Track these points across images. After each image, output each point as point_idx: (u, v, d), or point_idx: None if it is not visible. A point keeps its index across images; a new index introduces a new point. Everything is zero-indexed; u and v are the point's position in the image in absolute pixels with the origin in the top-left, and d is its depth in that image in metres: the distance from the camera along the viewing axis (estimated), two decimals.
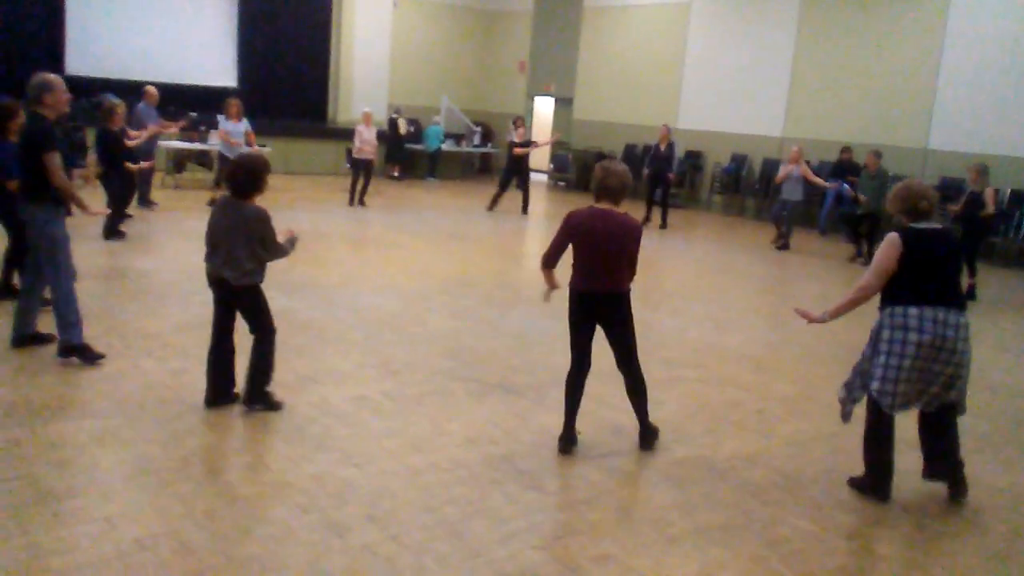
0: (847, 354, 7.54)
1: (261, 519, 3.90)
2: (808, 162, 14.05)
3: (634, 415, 5.05)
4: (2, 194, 6.41)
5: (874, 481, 4.54)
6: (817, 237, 14.95)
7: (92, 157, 10.46)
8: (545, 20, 21.31)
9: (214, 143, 14.14)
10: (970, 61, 13.85)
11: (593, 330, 4.89)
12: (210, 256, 5.06)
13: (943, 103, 14.24)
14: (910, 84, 14.61)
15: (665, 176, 14.47)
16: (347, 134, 18.46)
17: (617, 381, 5.13)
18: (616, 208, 4.76)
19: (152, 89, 12.51)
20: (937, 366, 4.31)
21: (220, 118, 12.98)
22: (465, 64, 22.37)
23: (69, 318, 5.64)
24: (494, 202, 14.92)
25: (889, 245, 4.39)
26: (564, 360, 6.57)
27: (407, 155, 19.32)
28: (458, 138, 20.84)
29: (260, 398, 5.13)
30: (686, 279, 10.97)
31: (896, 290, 4.38)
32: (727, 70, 17.31)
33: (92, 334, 5.94)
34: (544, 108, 21.78)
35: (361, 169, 14.44)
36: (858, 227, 12.46)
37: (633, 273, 4.83)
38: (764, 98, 16.67)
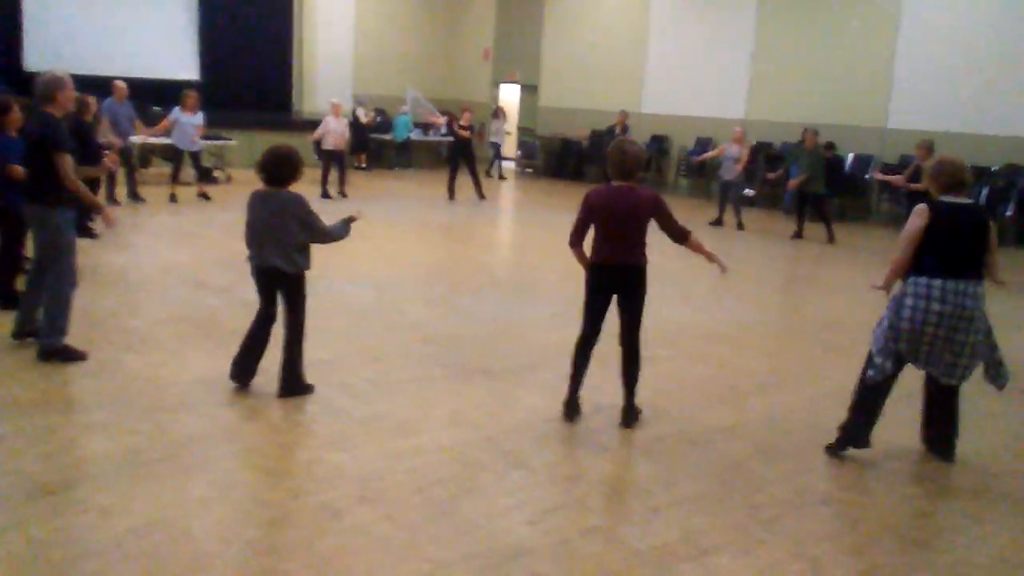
0: (815, 329, 7.76)
1: (256, 504, 3.97)
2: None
3: (618, 394, 5.17)
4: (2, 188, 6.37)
5: (856, 431, 4.72)
6: (782, 216, 15.20)
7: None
8: (509, 7, 21.35)
9: (171, 137, 14.00)
10: (926, 41, 14.16)
11: (608, 302, 5.08)
12: (255, 248, 5.11)
13: (900, 83, 14.55)
14: (868, 65, 14.89)
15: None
16: (312, 125, 18.38)
17: (598, 361, 5.25)
18: (632, 184, 4.91)
19: (121, 84, 12.37)
20: (959, 335, 4.49)
21: (175, 109, 12.84)
22: (430, 52, 22.34)
23: (59, 323, 5.62)
24: (450, 190, 14.97)
25: (916, 217, 4.57)
26: (542, 342, 6.74)
27: (372, 145, 19.29)
28: (424, 127, 20.83)
29: (294, 389, 5.23)
30: (655, 261, 11.11)
31: (921, 261, 4.54)
32: (689, 54, 17.49)
33: (72, 331, 5.93)
34: (510, 96, 21.85)
35: (333, 160, 14.37)
36: (801, 207, 12.71)
37: (681, 233, 5.06)
38: (727, 81, 16.89)
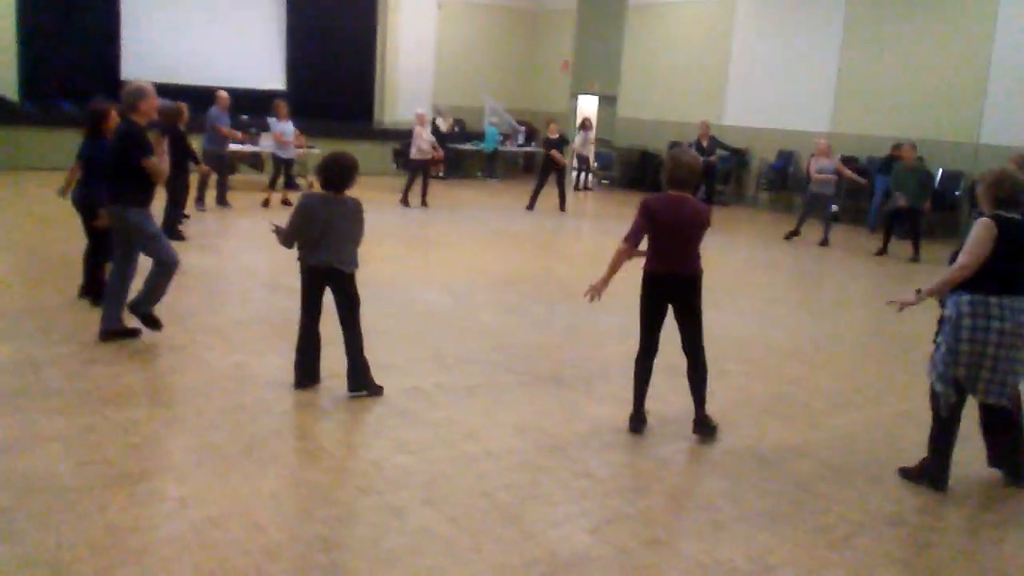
0: (892, 347, 7.55)
1: (323, 501, 4.08)
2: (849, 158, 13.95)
3: (684, 405, 5.14)
4: (94, 191, 6.66)
5: (935, 471, 4.58)
6: (867, 234, 14.82)
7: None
8: (589, 18, 21.37)
9: (266, 145, 14.48)
10: (1021, 54, 13.64)
11: (664, 313, 5.10)
12: (314, 249, 5.30)
13: (994, 97, 14.04)
14: (960, 78, 14.41)
15: (708, 171, 14.57)
16: (393, 135, 18.77)
17: (662, 371, 5.24)
18: (687, 195, 4.93)
19: (223, 94, 12.86)
20: (1020, 353, 4.35)
21: (271, 120, 13.34)
22: (509, 63, 22.52)
23: (158, 296, 6.13)
24: (532, 200, 15.04)
25: (985, 229, 4.38)
26: (611, 353, 6.74)
27: (451, 154, 19.53)
28: (503, 137, 21.00)
29: (367, 383, 5.41)
30: (731, 274, 10.98)
31: (976, 278, 4.38)
32: (773, 66, 17.22)
33: (161, 333, 6.21)
34: (588, 106, 21.85)
35: (420, 170, 14.57)
36: (891, 224, 12.36)
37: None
38: (811, 94, 16.56)
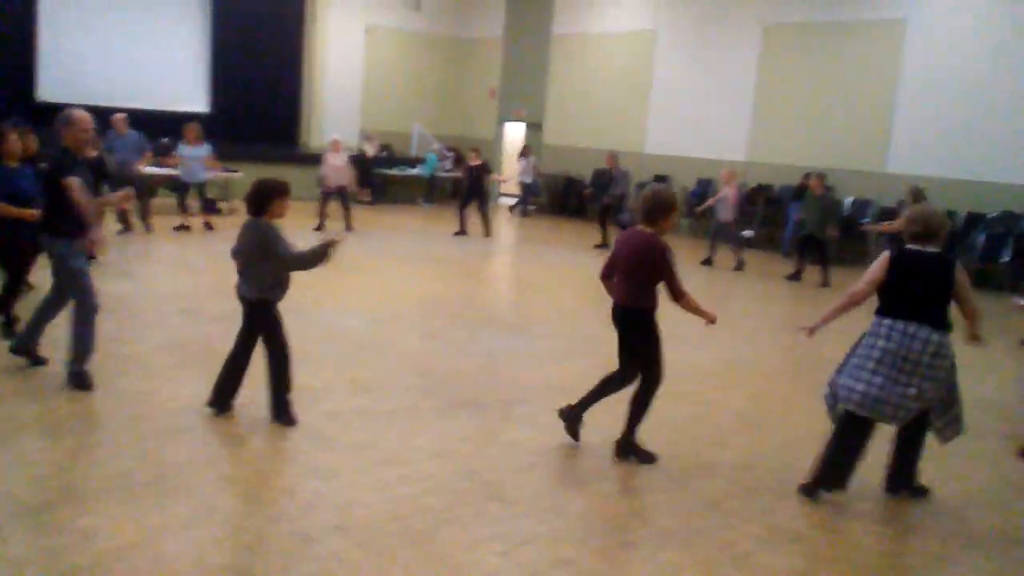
0: (802, 370, 7.82)
1: (233, 529, 4.04)
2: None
3: (606, 430, 5.24)
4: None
5: (831, 473, 4.78)
6: (781, 258, 15.32)
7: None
8: (514, 47, 21.69)
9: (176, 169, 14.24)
10: (925, 87, 14.35)
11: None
12: (239, 275, 5.31)
13: (900, 128, 14.72)
14: (868, 110, 15.08)
15: (617, 202, 15.00)
16: (319, 159, 18.67)
17: (577, 395, 5.34)
18: (647, 228, 5.07)
19: (119, 116, 12.46)
20: (903, 376, 4.56)
21: (180, 144, 13.09)
22: (437, 90, 22.68)
23: (83, 347, 5.78)
24: (461, 225, 15.18)
25: (879, 260, 4.80)
26: (530, 377, 6.82)
27: (377, 180, 19.52)
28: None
29: (284, 412, 5.37)
30: (662, 302, 11.24)
31: (880, 302, 4.76)
32: (692, 96, 17.72)
33: (59, 359, 6.07)
34: (515, 133, 22.12)
35: (333, 196, 14.49)
36: (803, 249, 12.84)
37: (674, 293, 5.08)
38: (729, 123, 17.09)
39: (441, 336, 8.06)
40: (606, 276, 5.31)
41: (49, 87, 17.51)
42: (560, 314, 9.54)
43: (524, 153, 19.22)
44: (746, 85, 16.81)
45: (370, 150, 19.09)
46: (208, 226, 13.29)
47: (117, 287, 9.04)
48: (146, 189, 12.85)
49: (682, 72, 17.95)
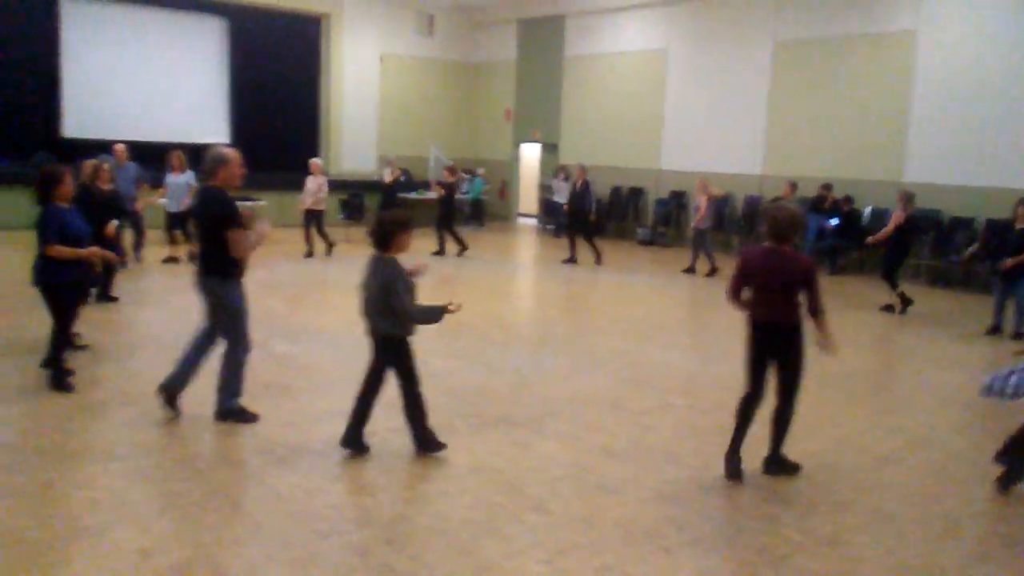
0: (827, 379, 7.90)
1: (285, 544, 4.19)
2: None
3: (634, 437, 5.35)
4: (44, 261, 6.30)
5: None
6: None
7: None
8: (528, 69, 21.95)
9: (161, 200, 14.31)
10: (939, 96, 14.44)
11: (766, 360, 5.31)
12: (364, 310, 5.37)
13: (915, 137, 14.81)
14: (883, 120, 15.17)
15: (581, 213, 15.09)
16: (340, 185, 18.94)
17: (606, 407, 5.46)
18: (781, 246, 5.19)
19: (119, 147, 12.45)
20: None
21: (167, 172, 13.03)
22: (453, 114, 22.96)
23: (234, 385, 5.84)
24: (460, 244, 15.31)
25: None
26: (559, 392, 6.95)
27: (399, 203, 19.75)
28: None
29: (429, 441, 5.44)
30: (673, 313, 11.37)
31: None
32: (706, 112, 17.89)
33: (107, 387, 6.26)
34: (531, 154, 22.33)
35: (312, 220, 14.46)
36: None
37: (815, 309, 5.16)
38: (743, 138, 17.22)
39: (468, 355, 8.21)
40: (736, 294, 5.34)
41: (73, 123, 17.87)
42: (578, 331, 9.66)
43: (558, 174, 19.46)
44: (759, 100, 16.96)
45: (387, 176, 19.32)
46: (193, 256, 13.01)
47: (148, 316, 9.25)
48: (143, 223, 12.69)
49: (695, 89, 18.13)
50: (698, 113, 18.05)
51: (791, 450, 5.84)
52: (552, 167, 20.85)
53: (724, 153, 17.54)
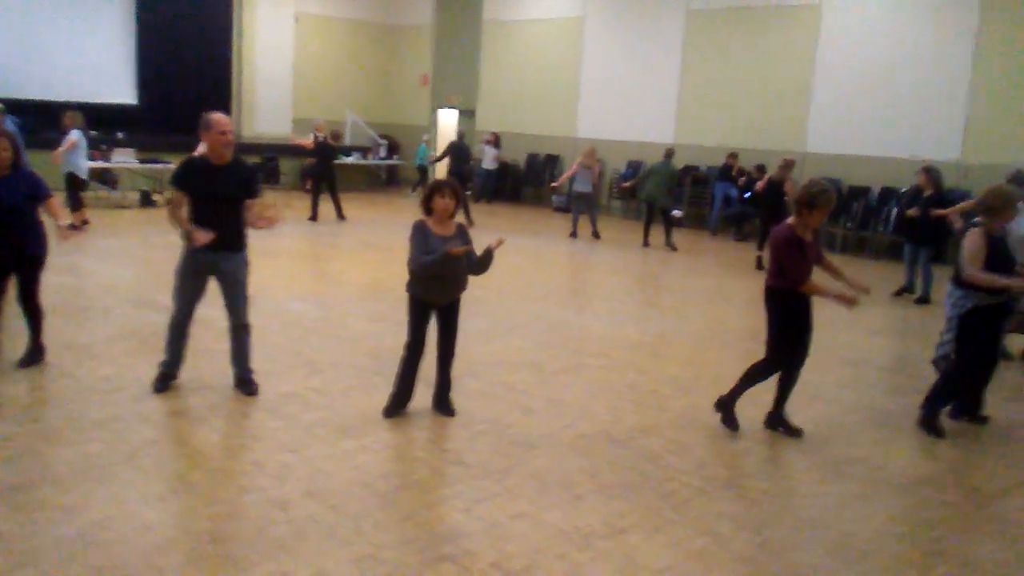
0: (731, 338, 8.31)
1: (209, 500, 4.28)
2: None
3: (550, 396, 5.59)
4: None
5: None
6: (708, 236, 15.97)
7: None
8: (446, 34, 21.87)
9: (122, 161, 14.09)
10: (841, 68, 15.05)
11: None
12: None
13: (818, 108, 15.41)
14: (788, 92, 15.74)
15: (462, 174, 15.60)
16: (252, 149, 18.61)
17: (524, 367, 5.67)
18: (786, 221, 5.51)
19: None
20: None
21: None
22: (369, 78, 22.73)
23: (248, 354, 5.83)
24: (314, 209, 14.99)
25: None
26: (477, 353, 7.14)
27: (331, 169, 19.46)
28: (364, 151, 21.19)
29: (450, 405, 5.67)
30: (589, 279, 11.70)
31: None
32: (621, 81, 18.20)
33: (23, 348, 6.17)
34: (448, 120, 22.33)
35: None
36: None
37: (784, 277, 5.41)
38: (656, 107, 17.61)
39: (386, 319, 8.32)
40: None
41: None
42: (497, 294, 9.87)
43: (493, 142, 19.51)
44: (671, 69, 17.34)
45: (307, 142, 18.99)
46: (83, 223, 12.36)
47: (60, 280, 9.05)
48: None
49: (611, 57, 18.40)
50: (614, 81, 18.34)
51: (692, 405, 6.19)
52: (470, 133, 20.89)
53: (637, 121, 17.91)
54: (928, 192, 10.50)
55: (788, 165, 12.13)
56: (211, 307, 7.98)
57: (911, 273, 10.87)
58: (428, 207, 5.39)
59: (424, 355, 5.60)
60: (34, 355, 6.17)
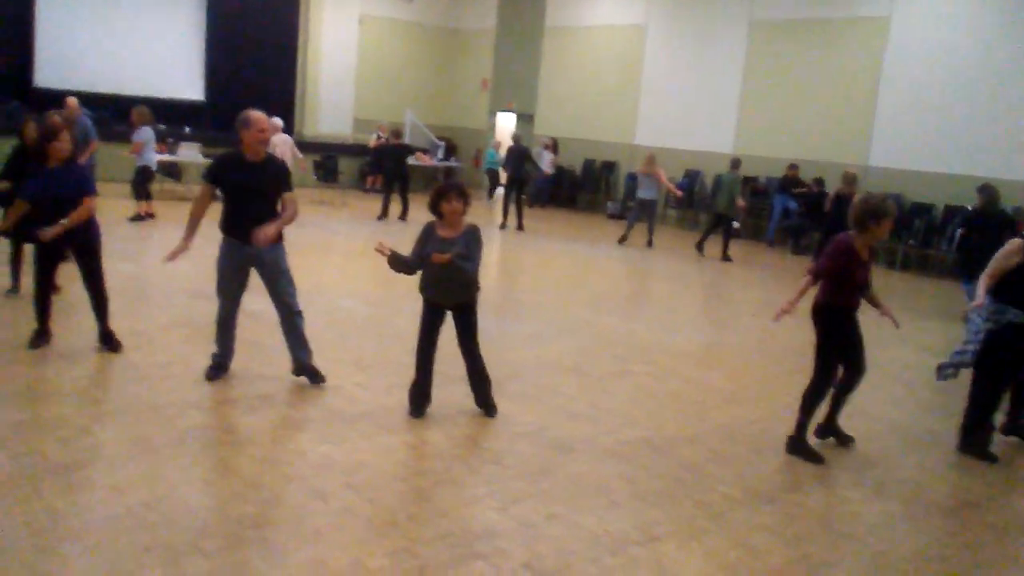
0: (780, 351, 8.21)
1: (251, 486, 4.39)
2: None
3: (579, 402, 5.60)
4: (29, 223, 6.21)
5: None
6: (765, 247, 15.78)
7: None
8: (507, 38, 21.99)
9: (187, 155, 14.45)
10: (908, 82, 14.76)
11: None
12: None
13: (882, 122, 15.13)
14: (851, 105, 15.48)
15: (520, 179, 15.62)
16: (315, 147, 18.94)
17: (567, 371, 5.69)
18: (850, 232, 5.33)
19: (70, 100, 12.20)
20: None
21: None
22: (430, 80, 22.97)
23: (306, 338, 5.97)
24: (385, 211, 15.38)
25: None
26: (522, 356, 7.17)
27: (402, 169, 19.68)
28: (423, 152, 21.40)
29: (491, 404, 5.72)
30: (639, 286, 11.65)
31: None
32: (681, 89, 18.10)
33: (87, 335, 6.40)
34: (506, 124, 22.44)
35: None
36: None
37: (828, 288, 5.37)
38: (716, 116, 17.47)
39: None
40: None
41: (46, 73, 17.70)
42: (546, 299, 9.90)
43: (551, 147, 19.58)
44: (733, 79, 17.19)
45: (372, 141, 19.22)
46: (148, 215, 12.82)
47: (121, 268, 9.34)
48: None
49: (671, 66, 18.32)
50: (673, 90, 18.25)
51: (736, 416, 6.14)
52: (528, 137, 20.95)
53: (697, 130, 17.79)
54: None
55: (853, 179, 11.89)
56: (266, 300, 8.17)
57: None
58: (437, 211, 5.46)
59: (436, 357, 5.68)
60: (106, 340, 6.37)
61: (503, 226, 15.36)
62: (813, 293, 5.45)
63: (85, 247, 6.29)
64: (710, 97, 17.54)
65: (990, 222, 9.89)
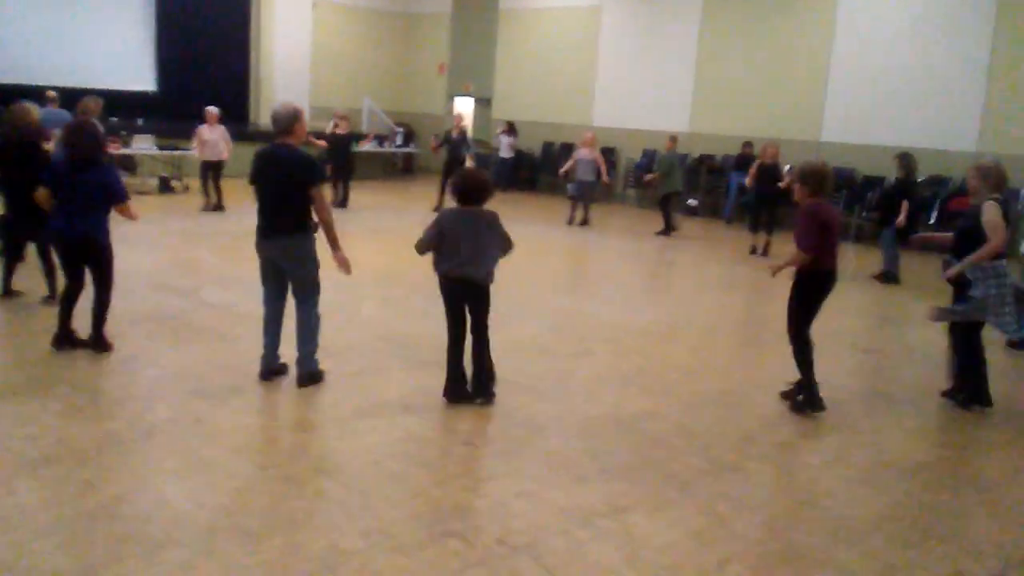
0: (740, 326, 8.39)
1: (224, 475, 4.42)
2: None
3: (546, 382, 5.70)
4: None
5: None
6: (723, 225, 16.00)
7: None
8: (463, 22, 21.93)
9: (142, 148, 14.27)
10: (857, 58, 15.02)
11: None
12: (451, 259, 5.56)
13: (833, 98, 15.39)
14: (803, 81, 15.72)
15: (459, 160, 15.39)
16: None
17: (534, 352, 5.77)
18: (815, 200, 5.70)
19: (50, 93, 12.11)
20: None
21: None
22: (386, 66, 22.84)
23: (316, 344, 5.84)
24: (345, 195, 15.26)
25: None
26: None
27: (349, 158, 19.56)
28: (381, 139, 21.29)
29: (488, 389, 5.69)
30: (600, 267, 11.78)
31: None
32: (637, 70, 18.22)
33: (49, 331, 6.34)
34: (464, 108, 22.40)
35: (209, 171, 13.60)
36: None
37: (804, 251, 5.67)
38: (671, 96, 17.63)
39: (400, 303, 8.45)
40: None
41: None
42: (511, 281, 9.96)
43: (508, 131, 19.52)
44: (687, 59, 17.35)
45: (330, 128, 19.08)
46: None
47: None
48: None
49: (627, 46, 18.42)
50: (629, 70, 18.37)
51: (698, 391, 6.28)
52: (486, 121, 20.98)
53: (653, 110, 17.93)
54: (899, 176, 11.02)
55: (776, 153, 12.49)
56: (230, 292, 8.15)
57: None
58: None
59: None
60: (96, 343, 6.25)
61: (437, 209, 15.27)
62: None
63: (97, 258, 6.28)
64: (666, 77, 17.69)
65: (908, 188, 10.82)
